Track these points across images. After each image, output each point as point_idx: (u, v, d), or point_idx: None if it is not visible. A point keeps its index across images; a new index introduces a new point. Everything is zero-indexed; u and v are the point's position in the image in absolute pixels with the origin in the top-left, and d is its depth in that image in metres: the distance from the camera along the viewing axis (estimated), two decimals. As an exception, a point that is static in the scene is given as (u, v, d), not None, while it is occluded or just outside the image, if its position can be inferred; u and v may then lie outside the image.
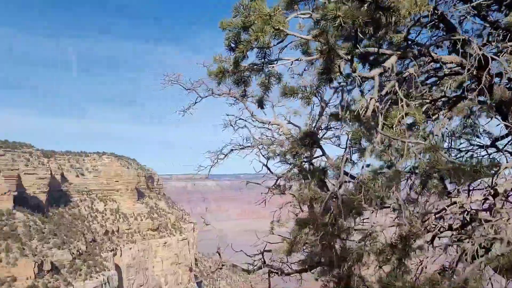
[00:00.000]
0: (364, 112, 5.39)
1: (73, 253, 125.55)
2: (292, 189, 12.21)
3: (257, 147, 12.50)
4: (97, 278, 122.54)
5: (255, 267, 12.67)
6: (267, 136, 12.48)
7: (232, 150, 12.87)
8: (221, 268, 12.77)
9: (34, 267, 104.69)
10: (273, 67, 6.38)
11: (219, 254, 13.15)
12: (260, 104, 9.53)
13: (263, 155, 12.54)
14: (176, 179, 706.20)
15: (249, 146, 12.61)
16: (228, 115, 12.65)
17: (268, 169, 12.46)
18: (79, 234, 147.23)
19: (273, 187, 12.58)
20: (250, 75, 7.28)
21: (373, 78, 6.10)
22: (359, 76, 5.86)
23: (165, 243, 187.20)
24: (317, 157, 11.43)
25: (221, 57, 7.35)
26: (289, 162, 11.88)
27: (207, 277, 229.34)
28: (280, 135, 12.27)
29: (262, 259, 12.32)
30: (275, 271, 12.03)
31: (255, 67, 6.52)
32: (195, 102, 12.42)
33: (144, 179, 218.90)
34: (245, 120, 12.59)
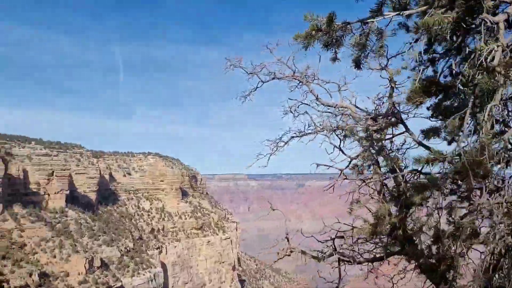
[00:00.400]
0: (490, 60, 4.55)
1: (121, 250, 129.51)
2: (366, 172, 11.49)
3: (322, 133, 11.84)
4: (144, 274, 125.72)
5: (326, 254, 12.33)
6: (333, 120, 11.81)
7: (292, 137, 12.31)
8: (289, 255, 12.43)
9: (85, 263, 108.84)
10: (373, 22, 5.67)
11: (288, 239, 12.86)
12: (358, 64, 8.92)
13: (337, 136, 11.90)
14: (218, 179, 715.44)
15: (310, 133, 11.98)
16: (290, 99, 12.16)
17: (341, 151, 11.87)
18: (126, 232, 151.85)
19: (349, 169, 11.91)
20: (344, 34, 6.64)
21: (497, 24, 5.22)
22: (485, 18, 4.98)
23: (209, 242, 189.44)
24: (399, 134, 10.86)
25: (313, 16, 6.75)
26: (362, 144, 11.18)
27: (250, 277, 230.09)
28: (347, 118, 11.58)
29: (333, 246, 12.05)
30: (346, 259, 11.74)
31: (349, 26, 5.84)
32: (256, 88, 12.15)
33: (187, 179, 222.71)
34: (309, 105, 12.00)
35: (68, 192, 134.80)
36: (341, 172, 11.80)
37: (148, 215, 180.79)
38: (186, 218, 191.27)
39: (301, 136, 12.15)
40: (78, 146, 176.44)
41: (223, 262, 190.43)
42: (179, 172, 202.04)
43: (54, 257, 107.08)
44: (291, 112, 12.18)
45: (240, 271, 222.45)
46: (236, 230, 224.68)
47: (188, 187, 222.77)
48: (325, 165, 12.06)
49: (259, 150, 12.51)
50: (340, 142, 11.88)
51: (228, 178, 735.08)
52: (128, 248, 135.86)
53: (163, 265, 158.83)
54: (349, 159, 11.72)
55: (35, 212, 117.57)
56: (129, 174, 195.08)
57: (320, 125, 11.72)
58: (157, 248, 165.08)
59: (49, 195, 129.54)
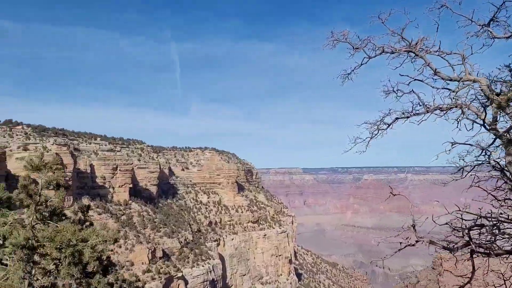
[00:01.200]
0: None
1: (181, 242, 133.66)
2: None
3: (435, 112, 10.80)
4: (203, 266, 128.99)
5: (459, 244, 11.20)
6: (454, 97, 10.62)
7: (397, 118, 11.40)
8: (413, 245, 11.49)
9: (148, 253, 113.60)
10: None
11: (414, 228, 12.03)
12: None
13: (478, 113, 10.52)
14: (273, 173, 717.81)
15: (419, 113, 11.00)
16: (401, 75, 11.20)
17: (484, 126, 10.47)
18: (185, 224, 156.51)
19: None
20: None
21: None
22: None
23: (265, 235, 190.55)
24: None
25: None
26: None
27: (307, 270, 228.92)
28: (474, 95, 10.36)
29: (468, 236, 10.83)
30: (482, 250, 10.60)
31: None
32: (361, 64, 11.42)
33: (243, 173, 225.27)
34: (422, 81, 11.00)
35: (131, 185, 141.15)
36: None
37: (206, 208, 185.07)
38: (242, 212, 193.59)
39: (407, 117, 11.21)
40: (140, 141, 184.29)
41: (280, 255, 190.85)
42: (235, 166, 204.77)
43: (120, 247, 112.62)
44: (394, 91, 11.28)
45: (296, 264, 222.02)
46: (292, 223, 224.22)
47: (244, 181, 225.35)
48: (464, 144, 10.79)
49: (356, 134, 11.70)
50: (485, 115, 10.36)
51: (283, 172, 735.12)
52: (187, 240, 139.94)
53: (221, 257, 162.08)
54: (494, 135, 10.34)
55: (102, 205, 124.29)
56: (187, 168, 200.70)
57: (430, 104, 10.66)
58: (215, 241, 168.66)
59: (113, 188, 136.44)
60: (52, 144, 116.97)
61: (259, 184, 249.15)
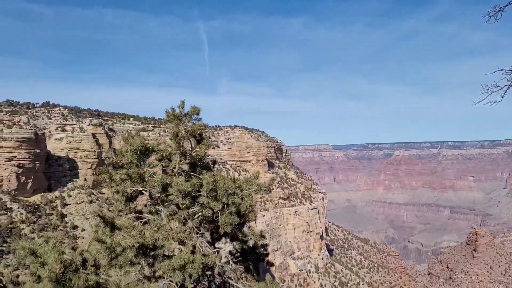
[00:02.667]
0: None
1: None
2: None
3: None
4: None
5: None
6: None
7: None
8: None
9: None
10: None
11: None
12: None
13: None
14: (303, 150, 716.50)
15: None
16: None
17: None
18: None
19: None
20: None
21: None
22: None
23: (296, 211, 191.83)
24: None
25: None
26: None
27: (338, 246, 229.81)
28: None
29: None
30: None
31: None
32: None
33: (273, 150, 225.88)
34: None
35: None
36: None
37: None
38: (273, 188, 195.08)
39: None
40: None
41: (311, 231, 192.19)
42: (264, 144, 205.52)
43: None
44: None
45: (328, 240, 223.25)
46: (323, 200, 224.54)
47: (274, 158, 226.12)
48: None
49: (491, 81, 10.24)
50: None
51: (312, 149, 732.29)
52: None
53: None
54: None
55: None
56: (218, 146, 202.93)
57: None
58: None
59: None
60: (88, 125, 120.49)
61: (289, 161, 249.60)
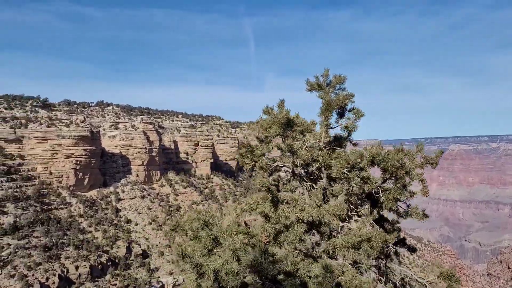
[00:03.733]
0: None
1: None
2: None
3: None
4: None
5: None
6: None
7: None
8: None
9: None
10: None
11: None
12: None
13: None
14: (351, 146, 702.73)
15: None
16: None
17: None
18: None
19: None
20: None
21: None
22: None
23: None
24: None
25: None
26: None
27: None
28: None
29: None
30: None
31: None
32: None
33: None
34: None
35: (212, 160, 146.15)
36: None
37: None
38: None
39: None
40: (218, 117, 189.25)
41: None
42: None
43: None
44: None
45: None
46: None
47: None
48: None
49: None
50: None
51: (363, 144, 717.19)
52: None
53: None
54: None
55: (186, 179, 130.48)
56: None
57: None
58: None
59: (196, 163, 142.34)
60: (139, 122, 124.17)
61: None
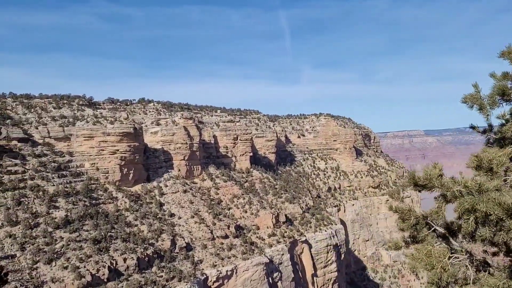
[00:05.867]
0: None
1: (302, 207, 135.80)
2: None
3: None
4: (325, 230, 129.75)
5: None
6: None
7: None
8: None
9: (272, 218, 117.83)
10: None
11: None
12: None
13: None
14: (391, 137, 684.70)
15: None
16: None
17: None
18: (305, 190, 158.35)
19: None
20: None
21: None
22: None
23: (387, 200, 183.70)
24: None
25: None
26: None
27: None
28: None
29: None
30: None
31: None
32: None
33: (361, 138, 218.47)
34: None
35: (251, 154, 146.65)
36: None
37: (324, 174, 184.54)
38: (362, 177, 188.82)
39: None
40: (256, 111, 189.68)
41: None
42: (351, 131, 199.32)
43: (246, 212, 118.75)
44: None
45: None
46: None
47: (362, 145, 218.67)
48: None
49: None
50: None
51: (402, 135, 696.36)
52: (308, 206, 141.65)
53: (342, 223, 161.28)
54: None
55: (226, 173, 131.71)
56: (303, 135, 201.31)
57: None
58: (335, 206, 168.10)
59: (235, 157, 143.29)
60: (180, 118, 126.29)
61: (377, 149, 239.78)
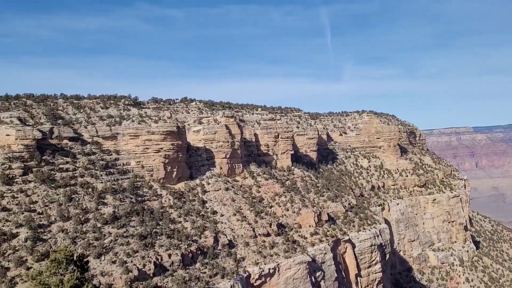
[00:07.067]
0: None
1: (345, 206, 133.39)
2: None
3: None
4: (369, 230, 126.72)
5: None
6: None
7: None
8: None
9: (314, 216, 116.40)
10: None
11: None
12: None
13: None
14: (438, 134, 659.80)
15: None
16: None
17: None
18: (347, 189, 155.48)
19: None
20: None
21: None
22: None
23: (434, 199, 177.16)
24: None
25: None
26: None
27: (485, 238, 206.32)
28: None
29: None
30: None
31: None
32: None
33: (405, 135, 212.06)
34: None
35: (292, 152, 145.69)
36: None
37: (367, 172, 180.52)
38: (407, 175, 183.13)
39: None
40: (297, 109, 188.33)
41: (453, 221, 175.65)
42: (395, 128, 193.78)
43: (287, 210, 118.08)
44: None
45: (473, 232, 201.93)
46: (465, 187, 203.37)
47: (407, 143, 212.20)
48: None
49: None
50: None
51: (449, 132, 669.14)
52: (351, 204, 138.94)
53: (387, 222, 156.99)
54: None
55: (268, 171, 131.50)
56: (345, 133, 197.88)
57: None
58: (379, 205, 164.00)
59: (277, 155, 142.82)
60: (221, 117, 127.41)
61: (423, 146, 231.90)
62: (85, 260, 22.30)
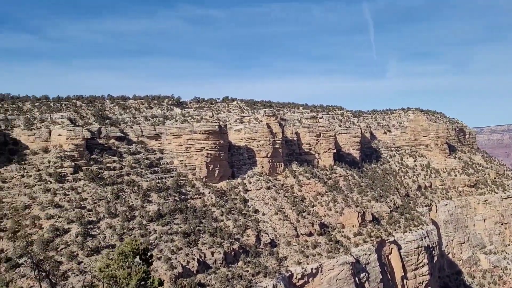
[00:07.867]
0: None
1: (389, 206, 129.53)
2: None
3: None
4: (416, 231, 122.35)
5: None
6: None
7: None
8: None
9: (358, 216, 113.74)
10: None
11: None
12: None
13: None
14: (488, 131, 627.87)
15: None
16: None
17: None
18: (392, 189, 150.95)
19: None
20: None
21: None
22: None
23: (486, 200, 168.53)
24: None
25: None
26: None
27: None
28: None
29: None
30: None
31: None
32: None
33: (454, 133, 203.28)
34: None
35: (334, 151, 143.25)
36: None
37: (413, 172, 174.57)
38: (456, 175, 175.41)
39: None
40: (339, 107, 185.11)
41: (506, 223, 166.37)
42: (443, 126, 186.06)
43: (330, 209, 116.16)
44: None
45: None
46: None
47: (456, 141, 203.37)
48: None
49: None
50: None
51: (501, 129, 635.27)
52: (396, 204, 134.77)
53: (434, 223, 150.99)
54: None
55: (309, 170, 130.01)
56: (389, 131, 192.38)
57: None
58: (426, 206, 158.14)
59: (318, 154, 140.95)
60: (262, 116, 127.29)
61: (473, 145, 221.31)
62: (150, 254, 22.61)
